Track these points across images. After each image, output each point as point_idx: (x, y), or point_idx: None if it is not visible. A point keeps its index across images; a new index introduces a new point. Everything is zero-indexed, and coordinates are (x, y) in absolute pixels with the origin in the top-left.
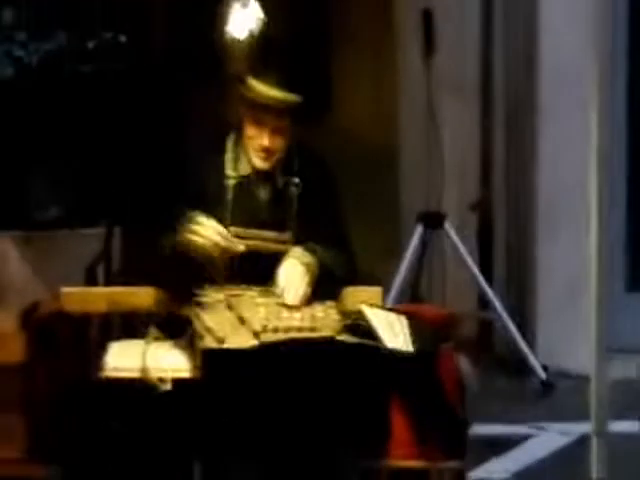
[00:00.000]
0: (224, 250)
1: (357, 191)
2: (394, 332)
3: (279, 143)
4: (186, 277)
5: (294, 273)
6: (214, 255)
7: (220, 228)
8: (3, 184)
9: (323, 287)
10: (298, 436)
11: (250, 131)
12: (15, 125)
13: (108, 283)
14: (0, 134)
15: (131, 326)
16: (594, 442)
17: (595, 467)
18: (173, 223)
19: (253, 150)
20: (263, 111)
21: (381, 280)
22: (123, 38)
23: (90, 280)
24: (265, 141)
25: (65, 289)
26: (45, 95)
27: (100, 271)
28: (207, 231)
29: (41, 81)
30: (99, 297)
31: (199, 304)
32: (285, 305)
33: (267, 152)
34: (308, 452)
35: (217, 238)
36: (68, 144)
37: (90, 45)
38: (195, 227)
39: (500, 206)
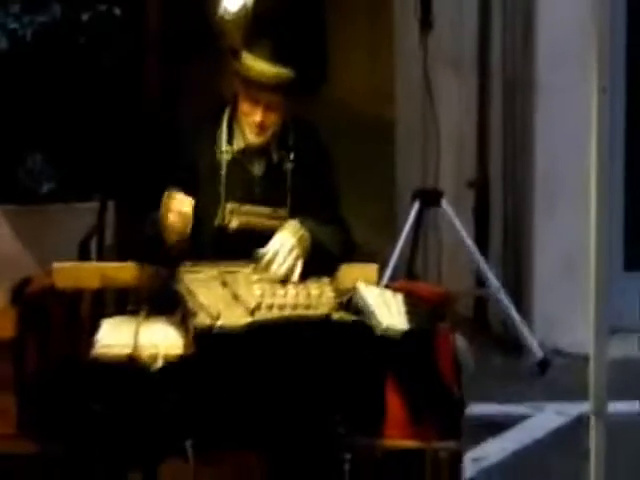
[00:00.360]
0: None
1: (352, 165)
2: (390, 310)
3: (273, 118)
4: (166, 254)
5: (284, 244)
6: (175, 231)
7: (188, 202)
8: None
9: (318, 264)
10: (291, 414)
11: (244, 106)
12: (9, 98)
13: (101, 258)
14: None
15: (124, 302)
16: (592, 422)
17: (593, 447)
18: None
19: (247, 125)
20: (257, 86)
21: (378, 255)
22: (118, 10)
23: (83, 255)
24: (258, 116)
25: (56, 264)
26: (39, 68)
27: (93, 246)
28: (175, 204)
29: (35, 53)
30: (91, 273)
31: (192, 280)
32: (278, 280)
33: (261, 127)
34: (301, 430)
35: (184, 208)
36: (62, 117)
37: (84, 17)
38: (167, 200)
39: (497, 182)
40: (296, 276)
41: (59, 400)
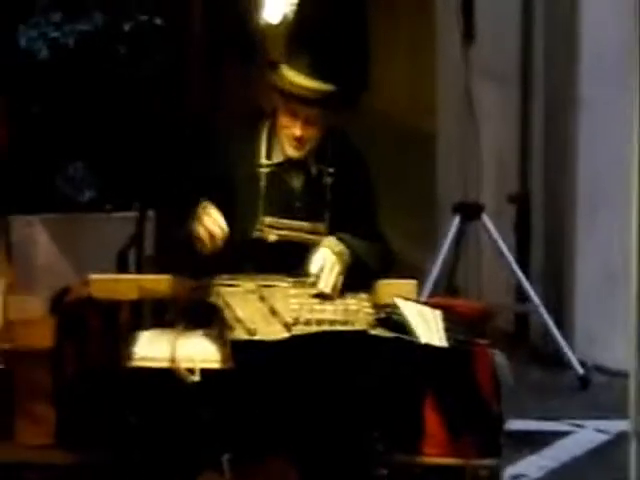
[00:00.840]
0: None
1: (393, 177)
2: (428, 326)
3: (312, 132)
4: (201, 265)
5: (326, 261)
6: (207, 245)
7: (221, 221)
8: (37, 166)
9: (356, 279)
10: (329, 430)
11: (283, 120)
12: (50, 107)
13: (139, 268)
14: (35, 116)
15: (161, 313)
16: (632, 441)
17: (633, 467)
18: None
19: (286, 138)
20: (296, 100)
21: (418, 269)
22: (159, 20)
23: (121, 265)
24: (297, 131)
25: (94, 276)
26: (80, 76)
27: (132, 256)
28: (208, 221)
29: (76, 62)
30: (128, 285)
31: (230, 293)
32: (317, 295)
33: (299, 141)
34: (339, 446)
35: (215, 229)
36: (103, 126)
37: (126, 27)
38: (200, 214)
39: (538, 197)
40: (336, 290)
41: (97, 411)
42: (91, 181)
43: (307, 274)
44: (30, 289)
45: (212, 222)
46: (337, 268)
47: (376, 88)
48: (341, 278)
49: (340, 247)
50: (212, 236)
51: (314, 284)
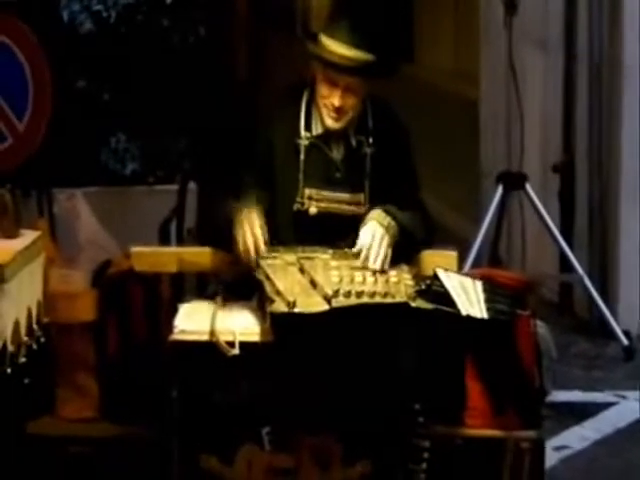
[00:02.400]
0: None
1: (435, 146)
2: (469, 298)
3: (351, 102)
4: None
5: (375, 236)
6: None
7: (259, 237)
8: (80, 139)
9: (403, 250)
10: (370, 402)
11: (322, 89)
12: (94, 79)
13: (180, 241)
14: (78, 88)
15: (203, 286)
16: None
17: None
18: (239, 191)
19: (325, 109)
20: (334, 69)
21: (460, 238)
22: None
23: (163, 237)
24: (336, 100)
25: (135, 249)
26: (123, 49)
27: (173, 228)
28: (248, 238)
29: (119, 35)
30: (169, 257)
31: (270, 266)
32: (365, 268)
33: (339, 112)
34: (380, 418)
35: (249, 244)
36: (146, 98)
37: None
38: (244, 227)
39: (582, 166)
40: (387, 265)
41: (139, 384)
42: (133, 154)
43: (354, 246)
44: (72, 262)
45: (251, 236)
46: (386, 242)
47: (419, 56)
48: (390, 251)
49: (388, 220)
50: (252, 243)
51: (359, 256)
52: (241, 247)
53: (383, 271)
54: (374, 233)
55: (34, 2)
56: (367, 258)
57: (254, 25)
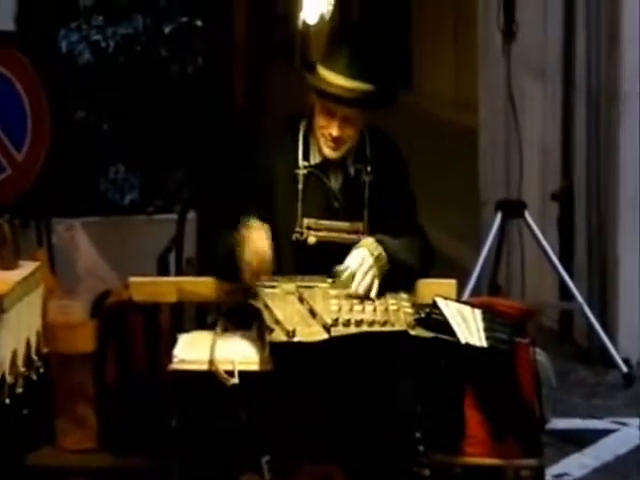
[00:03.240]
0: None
1: (434, 174)
2: (468, 326)
3: (349, 132)
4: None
5: (363, 263)
6: (254, 268)
7: (266, 245)
8: (79, 170)
9: (397, 280)
10: (370, 431)
11: (320, 120)
12: (92, 109)
13: (179, 271)
14: (77, 119)
15: (203, 315)
16: None
17: None
18: (238, 219)
19: (323, 139)
20: (332, 99)
21: (460, 266)
22: (199, 22)
23: (162, 267)
24: (334, 131)
25: (133, 279)
26: (122, 79)
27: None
28: (253, 241)
29: (118, 65)
30: (168, 287)
31: (269, 295)
32: (356, 297)
33: (337, 142)
34: (380, 447)
35: (256, 255)
36: (144, 128)
37: (166, 29)
38: (245, 233)
39: (581, 194)
40: (374, 294)
41: (138, 414)
42: (132, 184)
43: (340, 272)
44: (71, 292)
45: (257, 240)
46: (372, 271)
47: (418, 85)
48: (376, 281)
49: (379, 250)
50: (259, 259)
51: (346, 284)
52: (247, 257)
53: (369, 298)
54: (362, 260)
55: (33, 33)
56: (349, 282)
57: (253, 55)
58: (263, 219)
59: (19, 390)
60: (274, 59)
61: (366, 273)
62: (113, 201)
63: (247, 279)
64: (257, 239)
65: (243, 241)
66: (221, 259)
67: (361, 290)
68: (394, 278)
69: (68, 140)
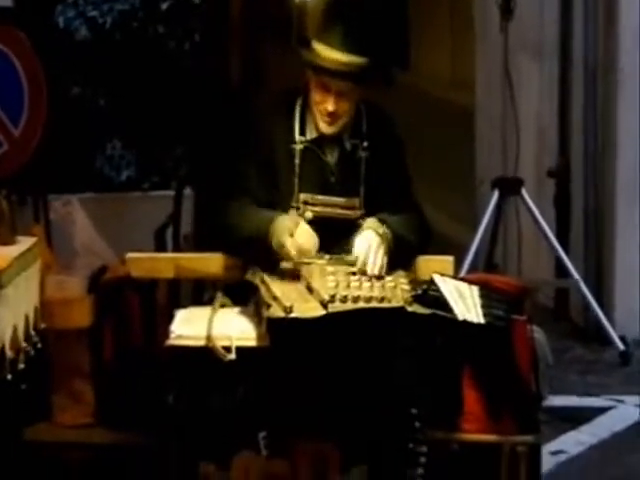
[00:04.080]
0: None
1: (431, 152)
2: (465, 303)
3: (345, 107)
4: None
5: (371, 243)
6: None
7: (312, 243)
8: (75, 146)
9: (398, 257)
10: (366, 407)
11: (316, 95)
12: (88, 86)
13: (177, 247)
14: (74, 95)
15: (200, 292)
16: None
17: None
18: (244, 196)
19: (319, 114)
20: (326, 73)
21: (456, 244)
22: None
23: (159, 243)
24: (330, 106)
25: (131, 255)
26: (118, 55)
27: (170, 234)
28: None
29: (114, 41)
30: (166, 263)
31: (266, 272)
32: (362, 274)
33: (332, 117)
34: (377, 423)
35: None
36: (141, 105)
37: (163, 6)
38: (294, 232)
39: (578, 171)
40: (384, 271)
41: (135, 390)
42: (129, 160)
43: (351, 255)
44: (68, 268)
45: (303, 238)
46: (382, 250)
47: (416, 65)
48: (386, 259)
49: (383, 228)
50: (301, 253)
51: (356, 264)
52: (293, 250)
53: (380, 277)
54: (370, 241)
55: (30, 9)
56: (364, 265)
57: (249, 31)
58: (265, 193)
59: (21, 366)
60: (271, 35)
61: (377, 252)
62: (109, 177)
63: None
64: (303, 235)
65: (285, 232)
66: (243, 240)
67: (376, 270)
68: (395, 255)
69: (65, 116)
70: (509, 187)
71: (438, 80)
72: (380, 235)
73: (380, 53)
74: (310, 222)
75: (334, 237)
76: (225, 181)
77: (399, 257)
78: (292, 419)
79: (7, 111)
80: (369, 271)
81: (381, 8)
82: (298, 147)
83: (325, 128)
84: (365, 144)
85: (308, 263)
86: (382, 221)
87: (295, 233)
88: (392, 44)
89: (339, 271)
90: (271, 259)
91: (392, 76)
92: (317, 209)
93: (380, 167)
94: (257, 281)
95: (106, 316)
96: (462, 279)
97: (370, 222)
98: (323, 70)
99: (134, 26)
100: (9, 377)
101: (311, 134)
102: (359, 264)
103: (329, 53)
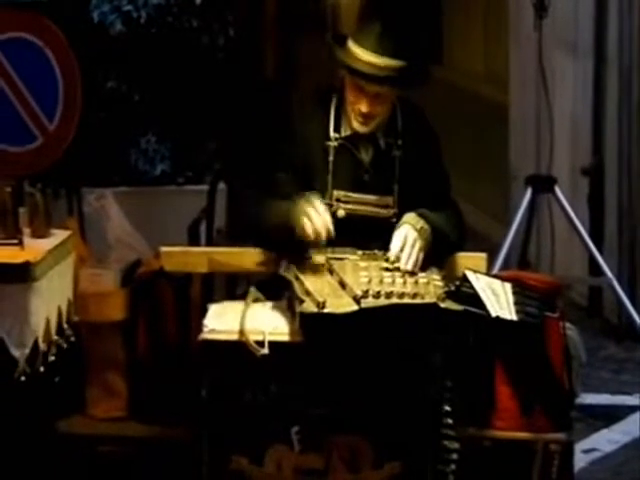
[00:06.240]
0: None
1: (465, 149)
2: (498, 299)
3: (379, 109)
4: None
5: (408, 238)
6: (312, 240)
7: (328, 220)
8: (110, 140)
9: (438, 253)
10: (399, 403)
11: (350, 95)
12: (123, 80)
13: (210, 241)
14: (109, 89)
15: (232, 287)
16: None
17: None
18: (278, 190)
19: (353, 114)
20: (362, 78)
21: (490, 241)
22: None
23: (193, 238)
24: (364, 107)
25: (164, 249)
26: (153, 49)
27: (203, 229)
28: (317, 220)
29: (149, 36)
30: (199, 257)
31: (300, 267)
32: (396, 269)
33: (366, 117)
34: (409, 419)
35: (322, 230)
36: (176, 99)
37: (198, 0)
38: (309, 211)
39: (612, 169)
40: (418, 268)
41: (168, 383)
42: (163, 154)
43: (383, 249)
44: (102, 262)
45: (321, 222)
46: (418, 245)
47: (450, 61)
48: (422, 255)
49: (421, 223)
50: (317, 235)
51: (392, 260)
52: (308, 231)
53: (413, 273)
54: (407, 236)
55: (64, 3)
56: (399, 260)
57: (283, 26)
58: (300, 189)
59: (51, 358)
60: (306, 30)
61: (413, 247)
62: (144, 171)
63: (304, 243)
64: (321, 212)
65: (306, 213)
66: (269, 230)
67: (410, 266)
68: (435, 251)
69: (99, 110)
70: (542, 185)
71: (471, 75)
72: (417, 230)
73: (416, 54)
74: (343, 220)
75: (367, 235)
76: (257, 175)
77: (439, 253)
78: (325, 414)
79: (42, 105)
80: (402, 266)
81: (416, 6)
82: (332, 144)
83: (359, 127)
84: (400, 142)
85: (341, 258)
86: (422, 216)
87: (310, 214)
88: (428, 45)
89: (372, 267)
90: (298, 248)
91: (427, 75)
92: (350, 207)
93: (417, 165)
94: (290, 276)
95: (140, 310)
96: (495, 276)
97: (408, 217)
98: (358, 73)
99: (169, 20)
100: (42, 369)
101: (345, 131)
102: (392, 258)
103: (365, 55)
